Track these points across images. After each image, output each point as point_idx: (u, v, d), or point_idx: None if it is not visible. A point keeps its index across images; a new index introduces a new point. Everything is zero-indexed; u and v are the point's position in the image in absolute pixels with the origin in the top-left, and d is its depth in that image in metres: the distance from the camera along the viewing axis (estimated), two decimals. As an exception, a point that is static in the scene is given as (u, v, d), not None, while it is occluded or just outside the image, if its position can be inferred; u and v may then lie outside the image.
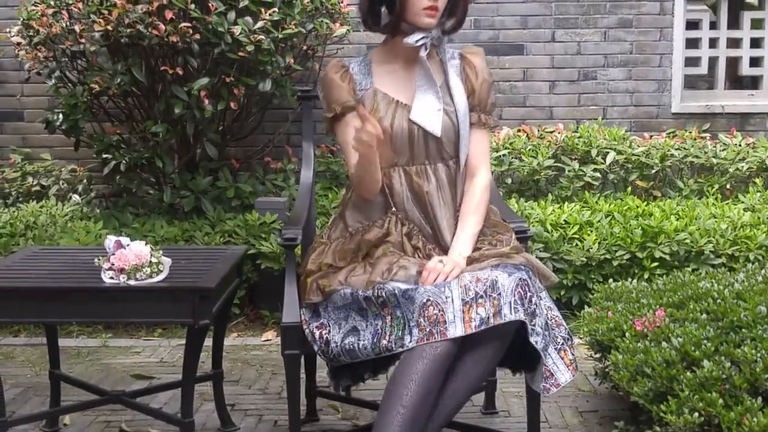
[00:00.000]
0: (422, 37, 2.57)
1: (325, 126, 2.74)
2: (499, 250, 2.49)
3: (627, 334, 2.89)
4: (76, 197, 5.24)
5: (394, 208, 2.63)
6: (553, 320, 2.48)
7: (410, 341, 2.27)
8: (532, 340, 2.30)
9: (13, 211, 4.94)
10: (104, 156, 4.80)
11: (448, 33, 2.67)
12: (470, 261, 2.48)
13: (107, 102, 4.76)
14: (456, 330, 2.23)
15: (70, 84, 4.71)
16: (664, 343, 2.67)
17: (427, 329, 2.24)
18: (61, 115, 4.63)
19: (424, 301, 2.28)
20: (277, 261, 4.40)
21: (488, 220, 2.70)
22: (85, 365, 3.99)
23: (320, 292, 2.52)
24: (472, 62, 2.73)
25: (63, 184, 5.34)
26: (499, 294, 2.25)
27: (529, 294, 2.31)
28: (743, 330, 2.61)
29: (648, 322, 2.87)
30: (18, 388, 3.68)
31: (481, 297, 2.25)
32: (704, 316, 2.80)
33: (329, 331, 2.47)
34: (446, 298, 2.26)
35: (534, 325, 2.30)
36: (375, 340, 2.34)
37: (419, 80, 2.63)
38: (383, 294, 2.34)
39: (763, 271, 3.17)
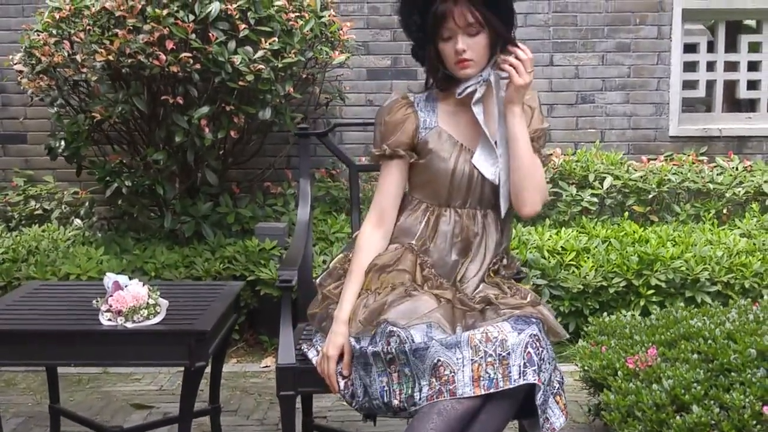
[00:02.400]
0: (468, 86, 2.53)
1: (371, 157, 2.71)
2: (517, 301, 2.46)
3: (619, 372, 2.93)
4: (78, 221, 5.29)
5: (414, 241, 2.61)
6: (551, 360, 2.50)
7: (420, 398, 2.27)
8: (537, 396, 2.30)
9: (16, 236, 4.99)
10: (106, 179, 4.84)
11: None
12: (487, 302, 2.46)
13: (109, 128, 4.80)
14: (465, 390, 2.23)
15: (72, 111, 4.76)
16: (654, 385, 2.71)
17: (437, 387, 2.25)
18: (63, 142, 4.69)
19: (435, 361, 2.26)
20: (276, 288, 4.43)
21: (510, 264, 2.72)
22: (86, 393, 4.03)
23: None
24: (530, 105, 2.65)
25: (65, 207, 5.39)
26: (509, 354, 2.25)
27: (540, 349, 2.31)
28: (732, 374, 2.65)
29: (640, 360, 2.91)
30: (19, 418, 3.72)
31: (491, 356, 2.25)
32: (695, 356, 2.84)
33: (351, 392, 2.49)
34: (458, 359, 2.25)
35: (540, 382, 2.31)
36: (387, 400, 2.34)
37: (483, 126, 2.57)
38: (393, 350, 2.33)
39: (755, 309, 3.21)
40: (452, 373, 2.24)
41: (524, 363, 2.25)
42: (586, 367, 3.21)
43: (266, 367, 4.38)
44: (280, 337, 2.71)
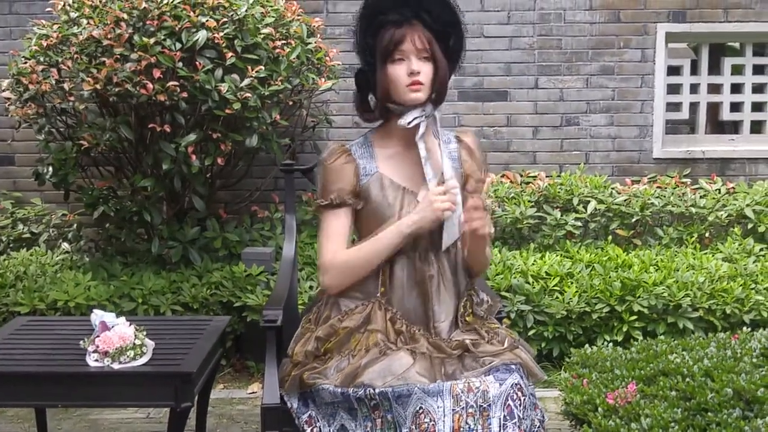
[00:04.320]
0: (415, 117, 2.56)
1: (313, 209, 2.74)
2: (495, 348, 2.50)
3: (599, 408, 2.97)
4: (65, 245, 5.31)
5: (378, 294, 2.61)
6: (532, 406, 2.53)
7: None
8: None
9: (4, 260, 5.01)
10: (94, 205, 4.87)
11: (436, 103, 2.63)
12: (465, 348, 2.49)
13: (96, 155, 4.82)
14: None
15: (59, 138, 4.78)
16: (633, 424, 2.75)
17: None
18: (50, 168, 4.71)
19: (417, 409, 2.28)
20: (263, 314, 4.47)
21: (480, 310, 2.75)
22: (73, 421, 4.06)
23: (300, 385, 2.55)
24: (469, 146, 2.74)
25: (53, 231, 5.41)
26: (489, 406, 2.28)
27: (521, 398, 2.34)
28: (709, 413, 2.69)
29: (620, 397, 2.96)
30: (7, 448, 3.76)
31: (472, 407, 2.27)
32: (674, 393, 2.88)
33: (320, 429, 2.47)
34: (438, 408, 2.27)
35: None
36: None
37: (425, 166, 2.60)
38: (376, 396, 2.35)
39: (733, 343, 3.26)
40: (432, 422, 2.26)
41: (505, 416, 2.29)
42: (567, 401, 3.25)
43: (253, 393, 4.41)
44: (265, 376, 2.74)
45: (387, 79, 2.56)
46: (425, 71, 2.55)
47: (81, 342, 2.81)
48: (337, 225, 2.63)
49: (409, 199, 2.61)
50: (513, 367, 2.42)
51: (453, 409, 2.28)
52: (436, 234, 2.61)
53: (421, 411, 2.29)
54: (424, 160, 2.58)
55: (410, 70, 2.53)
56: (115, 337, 2.76)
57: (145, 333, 2.84)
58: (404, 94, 2.56)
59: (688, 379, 2.92)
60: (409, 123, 2.56)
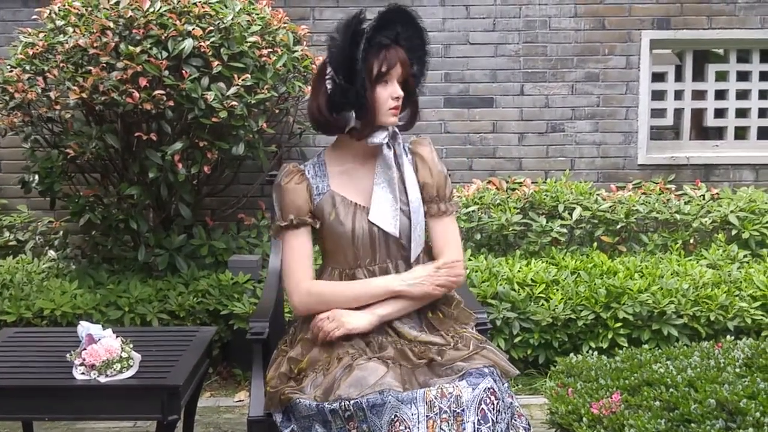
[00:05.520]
0: (385, 136, 2.63)
1: (273, 232, 2.73)
2: (461, 353, 2.52)
3: (584, 418, 3.00)
4: (52, 253, 5.30)
5: None
6: (514, 412, 2.55)
7: None
8: None
9: (-11, 268, 5.00)
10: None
11: (403, 129, 2.74)
12: (430, 360, 2.51)
13: (83, 163, 4.82)
14: None
15: (45, 145, 4.78)
16: (617, 434, 2.78)
17: None
18: (36, 176, 4.71)
19: (392, 417, 2.30)
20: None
21: (449, 311, 2.77)
22: (60, 430, 4.05)
23: (279, 402, 2.56)
24: (422, 155, 2.75)
25: (39, 238, 5.40)
26: (463, 411, 2.30)
27: (495, 402, 2.36)
28: (693, 424, 2.72)
29: (604, 407, 2.98)
30: (-7, 458, 3.76)
31: (446, 412, 2.30)
32: (657, 403, 2.91)
33: None
34: (413, 415, 2.29)
35: None
36: None
37: (377, 178, 2.67)
38: (351, 407, 2.37)
39: (716, 353, 3.29)
40: (408, 430, 2.28)
41: (478, 420, 2.31)
42: (552, 410, 3.28)
43: (240, 401, 4.42)
44: (252, 388, 2.76)
45: (374, 100, 2.59)
46: (401, 95, 2.64)
47: (68, 355, 2.81)
48: (300, 246, 2.66)
49: (360, 214, 2.65)
50: (486, 371, 2.44)
51: (427, 416, 2.30)
52: (393, 245, 2.67)
53: (396, 419, 2.31)
54: (387, 181, 2.66)
55: (396, 95, 2.60)
56: (102, 350, 2.76)
57: (131, 346, 2.85)
58: (385, 116, 2.61)
59: (671, 390, 2.95)
60: (382, 140, 2.63)
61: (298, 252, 2.66)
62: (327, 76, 2.62)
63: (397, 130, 2.71)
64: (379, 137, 2.63)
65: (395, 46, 2.61)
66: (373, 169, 2.70)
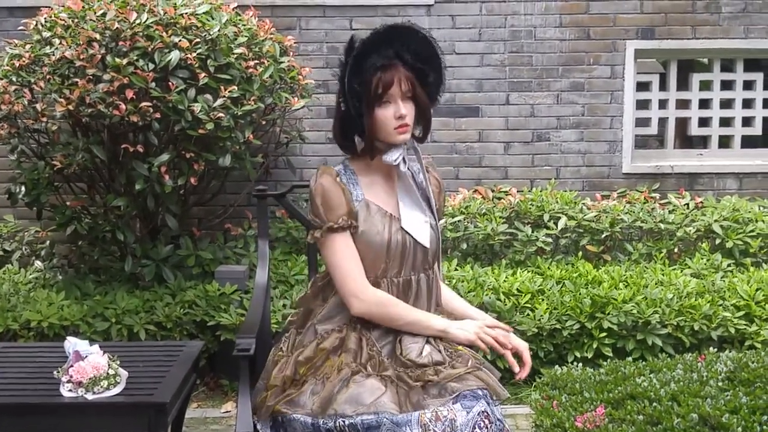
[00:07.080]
0: (400, 154, 2.64)
1: (318, 234, 2.65)
2: (456, 371, 2.52)
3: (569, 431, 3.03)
4: (39, 263, 5.30)
5: (356, 318, 2.65)
6: None
7: None
8: None
9: (-24, 279, 5.00)
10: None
11: (419, 141, 2.75)
12: (427, 381, 2.50)
13: (70, 174, 4.82)
14: None
15: (32, 156, 4.78)
16: (600, 449, 2.81)
17: None
18: (23, 187, 4.71)
19: None
20: (236, 332, 4.48)
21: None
22: (47, 442, 4.05)
23: (271, 416, 2.58)
24: (437, 178, 2.89)
25: (26, 249, 5.40)
26: None
27: (489, 425, 2.38)
28: (675, 439, 2.76)
29: (588, 420, 3.01)
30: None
31: None
32: (641, 417, 2.94)
33: None
34: None
35: None
36: None
37: (400, 194, 2.70)
38: (346, 428, 2.38)
39: (700, 365, 3.33)
40: None
41: None
42: (537, 423, 3.30)
43: (227, 412, 4.43)
44: (239, 404, 2.76)
45: (375, 121, 2.61)
46: (409, 112, 2.63)
47: (55, 372, 2.83)
48: (351, 248, 2.64)
49: (395, 225, 2.67)
50: (479, 393, 2.46)
51: None
52: (420, 257, 2.70)
53: None
54: (409, 196, 2.71)
55: (399, 114, 2.60)
56: (89, 367, 2.77)
57: (118, 362, 2.86)
58: (392, 136, 2.62)
59: (655, 404, 2.99)
60: (395, 159, 2.64)
61: (352, 253, 2.64)
62: (340, 101, 2.69)
63: (416, 145, 2.73)
64: (392, 156, 2.63)
65: (396, 64, 2.60)
66: (395, 184, 2.74)
